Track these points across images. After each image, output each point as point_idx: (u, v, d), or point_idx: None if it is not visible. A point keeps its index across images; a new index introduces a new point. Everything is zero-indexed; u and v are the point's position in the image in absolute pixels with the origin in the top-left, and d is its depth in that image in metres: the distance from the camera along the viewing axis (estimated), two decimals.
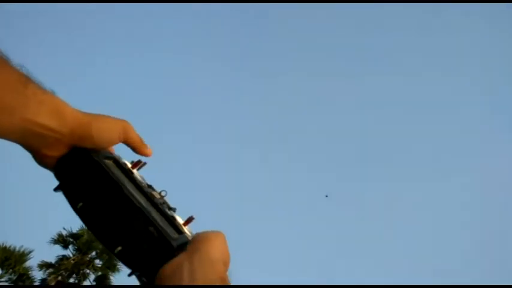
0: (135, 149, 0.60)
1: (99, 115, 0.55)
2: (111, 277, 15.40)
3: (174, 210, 0.57)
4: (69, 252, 15.87)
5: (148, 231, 0.49)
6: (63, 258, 15.70)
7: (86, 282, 15.79)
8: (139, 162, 0.59)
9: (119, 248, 0.49)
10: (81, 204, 0.51)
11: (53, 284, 15.18)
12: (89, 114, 0.54)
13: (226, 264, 0.51)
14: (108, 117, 0.56)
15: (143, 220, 0.50)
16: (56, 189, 0.53)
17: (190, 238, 0.52)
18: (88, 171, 0.52)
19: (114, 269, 15.19)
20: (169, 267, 0.47)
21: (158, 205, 0.54)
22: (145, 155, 0.61)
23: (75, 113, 0.52)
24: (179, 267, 0.45)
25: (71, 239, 15.60)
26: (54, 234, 15.72)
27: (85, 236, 15.14)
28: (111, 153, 0.57)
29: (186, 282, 0.43)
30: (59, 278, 15.40)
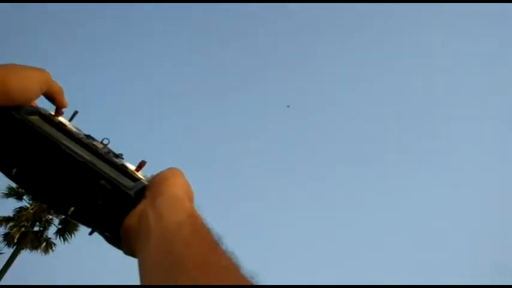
0: (55, 102, 0.53)
1: (12, 67, 0.47)
2: None
3: (121, 156, 0.53)
4: (25, 203, 15.52)
5: (100, 185, 0.46)
6: (21, 209, 15.38)
7: (52, 228, 15.79)
8: (75, 113, 0.53)
9: (72, 209, 0.45)
10: (15, 170, 0.45)
11: (17, 236, 15.02)
12: (1, 67, 0.46)
13: (191, 199, 0.49)
14: (24, 68, 0.48)
15: (91, 174, 0.46)
16: None
17: (146, 183, 0.49)
18: (13, 133, 0.45)
19: None
20: (133, 217, 0.44)
21: (103, 155, 0.49)
22: (64, 107, 0.54)
23: None
24: (144, 215, 0.43)
25: (23, 190, 15.13)
26: (3, 189, 15.16)
27: None
28: (34, 107, 0.50)
29: (154, 228, 0.40)
30: (22, 229, 15.22)
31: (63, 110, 0.54)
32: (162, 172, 0.50)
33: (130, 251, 0.45)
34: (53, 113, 0.51)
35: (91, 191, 0.45)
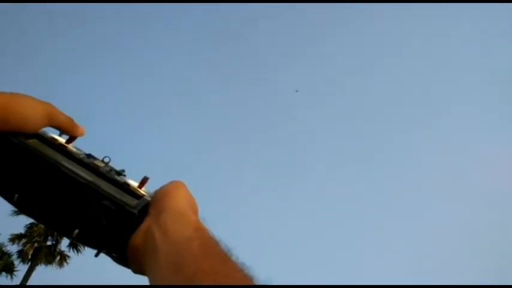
0: (65, 131, 0.52)
1: (17, 96, 0.46)
2: None
3: (123, 173, 0.52)
4: None
5: (103, 206, 0.45)
6: (32, 225, 15.47)
7: (64, 241, 15.88)
8: None
9: (76, 231, 0.44)
10: (17, 195, 0.45)
11: (30, 252, 15.12)
12: (6, 95, 0.45)
13: (195, 212, 0.48)
14: (29, 98, 0.47)
15: (94, 195, 0.45)
16: None
17: (150, 200, 0.48)
18: (12, 158, 0.45)
19: None
20: (138, 236, 0.43)
21: (105, 174, 0.49)
22: (78, 136, 0.54)
23: None
24: (149, 233, 0.42)
25: None
26: (12, 206, 15.23)
27: None
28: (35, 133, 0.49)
29: (161, 245, 0.39)
30: (35, 244, 15.32)
31: (80, 136, 0.54)
32: (163, 187, 0.49)
33: (139, 270, 0.44)
34: (55, 137, 0.51)
35: (95, 212, 0.45)
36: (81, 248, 15.84)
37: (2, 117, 0.44)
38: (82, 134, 0.54)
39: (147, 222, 0.44)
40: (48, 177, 0.45)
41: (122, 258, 0.46)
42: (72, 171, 0.46)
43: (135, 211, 0.45)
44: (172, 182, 0.50)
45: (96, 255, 0.46)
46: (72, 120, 0.52)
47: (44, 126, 0.49)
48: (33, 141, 0.47)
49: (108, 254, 0.47)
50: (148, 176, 0.52)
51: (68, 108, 0.53)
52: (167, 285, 0.36)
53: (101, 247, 0.46)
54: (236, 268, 0.36)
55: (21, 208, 0.45)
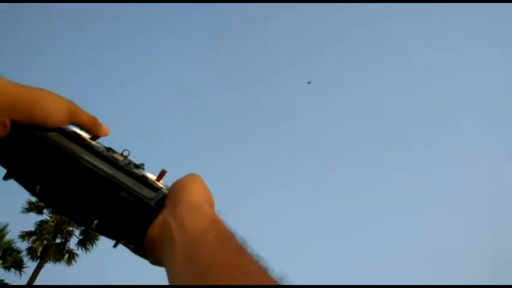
0: (88, 129, 0.54)
1: (42, 91, 0.48)
2: None
3: (142, 167, 0.53)
4: (45, 216, 15.78)
5: (121, 198, 0.46)
6: (42, 223, 15.63)
7: (73, 239, 16.01)
8: None
9: (95, 222, 0.46)
10: (39, 187, 0.46)
11: (40, 249, 15.28)
12: (32, 90, 0.47)
13: (211, 205, 0.49)
14: (53, 95, 0.49)
15: (113, 187, 0.46)
16: (5, 178, 0.47)
17: (167, 192, 0.49)
18: (34, 150, 0.46)
19: None
20: (155, 228, 0.44)
21: (124, 167, 0.50)
22: (102, 135, 0.55)
23: (15, 88, 0.45)
24: (166, 225, 0.43)
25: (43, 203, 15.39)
26: (23, 204, 15.43)
27: None
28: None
29: (178, 237, 0.40)
30: (44, 242, 15.47)
31: (105, 136, 0.55)
32: (180, 180, 0.50)
33: (156, 261, 0.45)
34: (76, 131, 0.52)
35: (113, 203, 0.46)
36: (89, 246, 15.97)
37: (27, 112, 0.46)
38: (106, 134, 0.56)
39: (164, 215, 0.45)
40: (68, 169, 0.46)
41: (140, 249, 0.47)
42: (92, 164, 0.47)
43: (152, 203, 0.46)
44: (188, 175, 0.51)
45: (115, 245, 0.47)
46: (96, 120, 0.54)
47: (66, 123, 0.51)
48: (54, 134, 0.48)
49: (126, 245, 0.48)
50: (166, 169, 0.53)
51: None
52: (182, 284, 0.37)
53: (119, 238, 0.47)
54: (251, 260, 0.37)
55: (42, 199, 0.47)
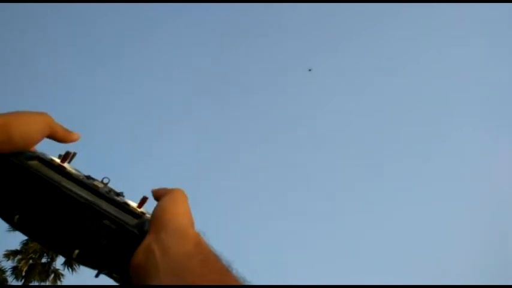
0: (62, 141, 0.53)
1: (14, 113, 0.47)
2: None
3: (122, 195, 0.53)
4: None
5: (103, 226, 0.45)
6: (28, 242, 15.29)
7: (59, 259, 15.66)
8: (68, 154, 0.52)
9: (76, 252, 0.45)
10: (17, 216, 0.45)
11: (25, 269, 14.92)
12: (3, 115, 0.46)
13: (193, 224, 0.48)
14: (26, 113, 0.48)
15: (94, 215, 0.45)
16: None
17: (150, 218, 0.49)
18: (13, 179, 0.45)
19: None
20: (139, 254, 0.43)
21: (105, 195, 0.49)
22: (74, 141, 0.55)
23: None
24: (150, 251, 0.42)
25: None
26: None
27: None
28: (33, 152, 0.50)
29: (162, 263, 0.40)
30: (30, 261, 15.12)
31: (75, 141, 0.55)
32: (162, 202, 0.49)
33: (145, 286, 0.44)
34: (54, 158, 0.51)
35: (95, 231, 0.45)
36: (76, 266, 15.63)
37: (3, 137, 0.45)
38: (77, 139, 0.55)
39: (148, 240, 0.44)
40: (49, 197, 0.45)
41: (123, 278, 0.46)
42: (73, 192, 0.46)
43: (136, 230, 0.46)
44: (170, 194, 0.50)
45: (97, 275, 0.46)
46: (66, 128, 0.54)
47: (44, 138, 0.50)
48: (34, 163, 0.48)
49: (109, 274, 0.47)
50: (147, 196, 0.53)
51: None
52: None
53: (101, 267, 0.46)
54: (236, 282, 0.37)
55: (21, 229, 0.46)
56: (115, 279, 0.47)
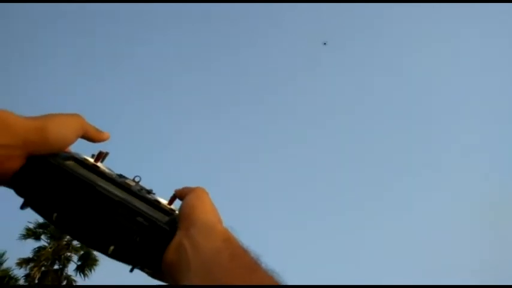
0: (94, 140, 0.56)
1: (49, 116, 0.49)
2: (95, 252, 15.37)
3: (152, 192, 0.55)
4: (43, 242, 15.58)
5: (137, 223, 0.47)
6: (40, 249, 15.41)
7: (71, 265, 15.76)
8: (100, 153, 0.54)
9: (112, 248, 0.47)
10: (55, 214, 0.47)
11: (37, 276, 15.02)
12: (39, 118, 0.48)
13: (220, 220, 0.50)
14: (60, 115, 0.50)
15: (128, 213, 0.47)
16: (22, 207, 0.48)
17: (179, 214, 0.51)
18: (51, 179, 0.48)
19: None
20: (171, 251, 0.45)
21: (137, 193, 0.51)
22: (104, 141, 0.57)
23: (23, 121, 0.46)
24: (181, 247, 0.44)
25: (41, 230, 15.23)
26: (21, 230, 15.25)
27: None
28: (68, 153, 0.53)
29: (193, 259, 0.41)
30: (42, 268, 15.23)
31: (106, 140, 0.58)
32: (188, 199, 0.51)
33: (176, 284, 0.46)
34: (87, 157, 0.54)
35: (129, 229, 0.47)
36: (88, 272, 15.71)
37: (41, 140, 0.47)
38: (108, 139, 0.57)
39: (178, 237, 0.46)
40: (84, 196, 0.47)
41: (156, 273, 0.48)
42: (107, 190, 0.48)
43: (167, 227, 0.47)
44: (194, 192, 0.52)
45: (131, 270, 0.48)
46: (97, 128, 0.56)
47: (78, 138, 0.52)
48: (70, 163, 0.50)
49: (142, 269, 0.49)
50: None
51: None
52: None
53: (135, 263, 0.48)
54: (265, 276, 0.38)
55: (59, 227, 0.48)
56: (147, 274, 0.49)
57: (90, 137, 0.55)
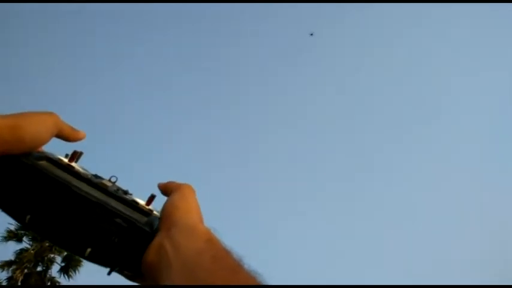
0: (68, 139, 0.54)
1: (23, 114, 0.47)
2: None
3: (129, 192, 0.53)
4: (25, 244, 15.31)
5: (115, 224, 0.46)
6: (22, 251, 15.14)
7: (55, 266, 15.54)
8: (75, 153, 0.52)
9: (89, 250, 0.45)
10: (28, 216, 0.45)
11: (20, 278, 14.77)
12: (12, 116, 0.46)
13: (202, 220, 0.49)
14: (34, 114, 0.48)
15: (105, 214, 0.46)
16: None
17: (159, 216, 0.50)
18: (24, 179, 0.46)
19: None
20: (151, 252, 0.44)
21: (114, 193, 0.50)
22: (81, 139, 0.55)
23: None
24: (162, 248, 0.43)
25: (22, 231, 14.94)
26: (2, 232, 14.96)
27: None
28: (41, 152, 0.51)
29: (174, 260, 0.40)
30: (25, 270, 14.97)
31: (82, 139, 0.56)
32: (172, 198, 0.50)
33: (155, 286, 0.45)
34: (61, 157, 0.52)
35: (106, 230, 0.46)
36: (72, 273, 15.51)
37: (14, 138, 0.45)
38: (83, 138, 0.56)
39: (159, 238, 0.45)
40: (59, 197, 0.46)
41: (135, 275, 0.47)
42: (83, 191, 0.47)
43: (146, 227, 0.46)
44: (180, 191, 0.51)
45: (109, 273, 0.47)
46: (73, 127, 0.54)
47: (53, 136, 0.51)
48: (43, 163, 0.48)
49: (121, 272, 0.47)
50: (154, 193, 0.53)
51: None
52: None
53: (113, 265, 0.46)
54: (247, 277, 0.37)
55: (32, 229, 0.46)
56: (126, 277, 0.48)
57: (65, 136, 0.53)
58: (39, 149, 0.51)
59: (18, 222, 0.46)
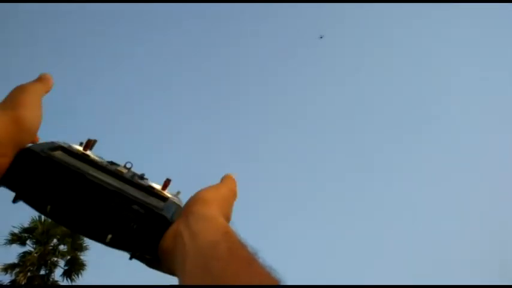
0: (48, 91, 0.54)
1: (18, 102, 0.47)
2: (81, 257, 15.21)
3: (145, 177, 0.54)
4: (29, 247, 15.33)
5: (132, 210, 0.47)
6: (25, 254, 15.17)
7: (58, 270, 15.56)
8: (89, 141, 0.54)
9: (109, 237, 0.46)
10: (49, 207, 0.46)
11: (23, 282, 14.78)
12: (7, 108, 0.46)
13: (227, 216, 0.49)
14: (25, 97, 0.48)
15: (123, 200, 0.47)
16: (14, 201, 0.47)
17: (175, 201, 0.50)
18: (41, 171, 0.47)
19: (81, 248, 14.98)
20: (168, 238, 0.45)
21: (130, 179, 0.51)
22: (51, 82, 0.54)
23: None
24: (179, 235, 0.44)
25: (26, 234, 14.98)
26: (6, 235, 14.99)
27: (40, 227, 14.59)
28: (55, 142, 0.51)
29: (190, 248, 0.41)
30: (28, 274, 14.99)
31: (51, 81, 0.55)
32: (203, 189, 0.51)
33: (170, 271, 0.45)
34: (75, 146, 0.53)
35: (125, 217, 0.47)
36: (75, 277, 15.52)
37: (21, 131, 0.46)
38: (51, 79, 0.55)
39: (177, 225, 0.46)
40: (77, 186, 0.47)
41: (155, 260, 0.47)
42: (99, 179, 0.48)
43: (164, 213, 0.47)
44: (208, 188, 0.52)
45: (131, 258, 0.48)
46: (42, 80, 0.54)
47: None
48: (58, 153, 0.49)
49: (141, 257, 0.48)
50: (170, 178, 0.54)
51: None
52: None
53: (134, 250, 0.47)
54: (261, 270, 0.37)
55: (54, 218, 0.47)
56: (146, 262, 0.49)
57: (47, 91, 0.53)
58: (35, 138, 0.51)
59: (40, 213, 0.47)
